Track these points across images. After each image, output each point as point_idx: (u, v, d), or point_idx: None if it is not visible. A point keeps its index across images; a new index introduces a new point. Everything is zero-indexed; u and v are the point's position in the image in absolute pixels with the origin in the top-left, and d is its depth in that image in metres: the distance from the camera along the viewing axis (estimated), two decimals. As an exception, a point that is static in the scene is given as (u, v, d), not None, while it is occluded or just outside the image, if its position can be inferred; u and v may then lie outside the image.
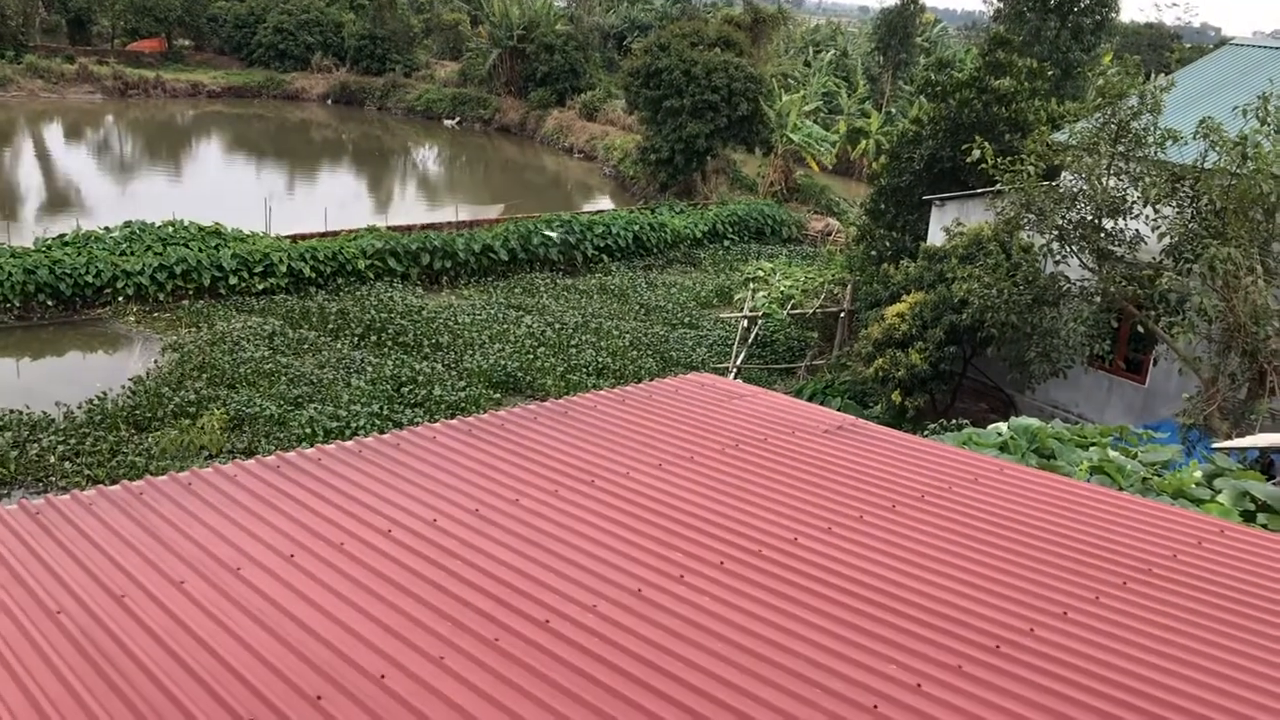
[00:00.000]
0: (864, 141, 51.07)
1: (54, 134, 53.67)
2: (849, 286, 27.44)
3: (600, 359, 24.42)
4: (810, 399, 22.12)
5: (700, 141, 42.51)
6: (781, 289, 29.40)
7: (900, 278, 22.33)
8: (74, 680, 4.67)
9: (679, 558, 5.94)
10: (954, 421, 17.11)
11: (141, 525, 6.18)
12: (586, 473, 7.15)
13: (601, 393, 9.15)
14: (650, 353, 25.46)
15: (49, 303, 25.07)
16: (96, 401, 20.28)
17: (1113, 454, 11.17)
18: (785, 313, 27.73)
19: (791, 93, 47.49)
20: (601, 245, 33.74)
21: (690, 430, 8.16)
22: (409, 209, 41.75)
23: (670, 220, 37.09)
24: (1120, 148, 18.74)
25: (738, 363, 25.12)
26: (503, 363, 23.47)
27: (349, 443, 7.66)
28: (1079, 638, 5.27)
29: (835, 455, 7.71)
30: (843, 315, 27.02)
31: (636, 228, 35.13)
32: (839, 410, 11.33)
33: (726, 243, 37.86)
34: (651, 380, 9.80)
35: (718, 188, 44.65)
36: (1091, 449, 11.46)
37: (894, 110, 53.32)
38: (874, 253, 26.11)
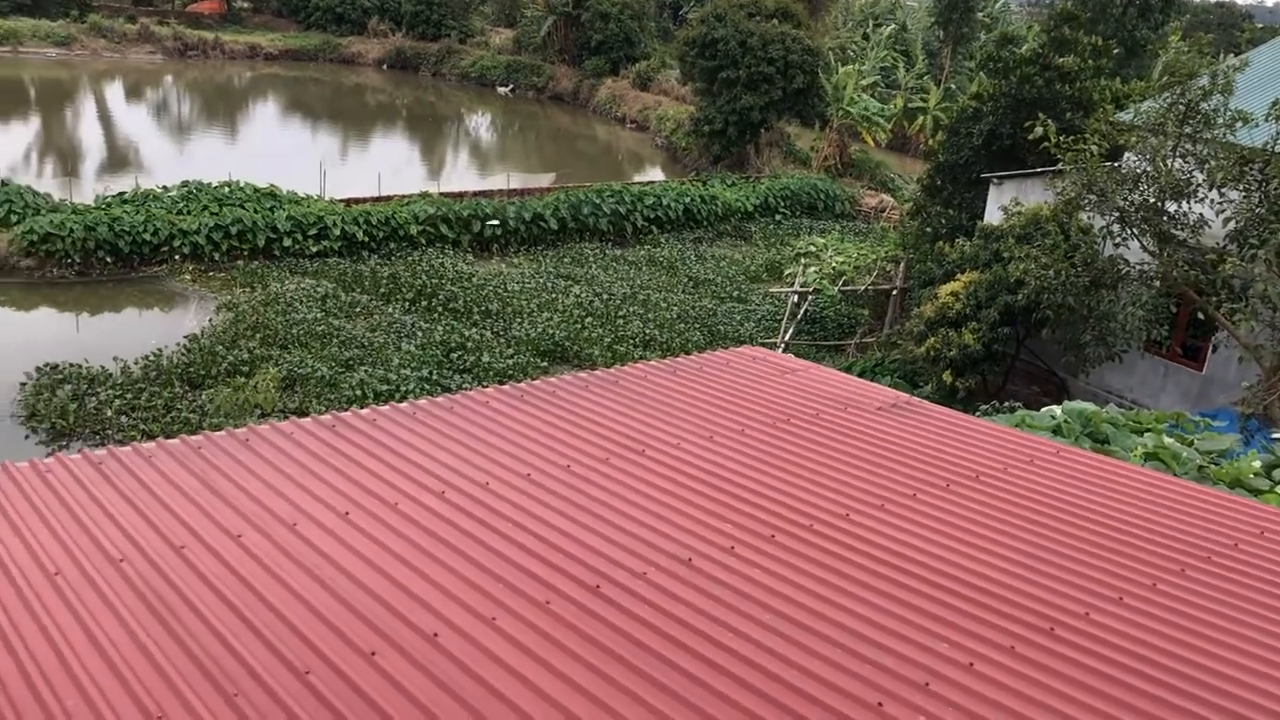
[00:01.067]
0: (921, 117, 50.39)
1: (115, 93, 54.28)
2: (902, 264, 27.15)
3: (647, 330, 24.40)
4: (859, 377, 21.98)
5: (754, 114, 42.07)
6: (833, 265, 29.18)
7: (955, 256, 22.04)
8: (135, 626, 4.78)
9: (729, 529, 5.93)
10: (1005, 404, 16.91)
11: (200, 478, 6.27)
12: (637, 442, 7.15)
13: (652, 363, 9.16)
14: (698, 326, 25.39)
15: (108, 259, 25.42)
16: (152, 358, 20.55)
17: (1168, 441, 10.98)
18: (836, 289, 27.50)
19: (849, 66, 46.96)
20: (651, 216, 33.61)
21: (741, 403, 8.13)
22: (461, 176, 41.79)
23: (721, 193, 36.76)
24: (1188, 129, 18.32)
25: (786, 338, 24.98)
26: (550, 331, 23.51)
27: (403, 404, 7.73)
28: (1135, 623, 5.19)
29: (889, 432, 7.65)
30: (895, 293, 26.76)
31: (687, 200, 34.94)
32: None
33: (778, 217, 37.44)
34: (700, 353, 9.72)
35: (771, 161, 44.22)
36: (1146, 435, 11.28)
37: (953, 86, 52.52)
38: (929, 230, 25.79)
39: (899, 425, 7.84)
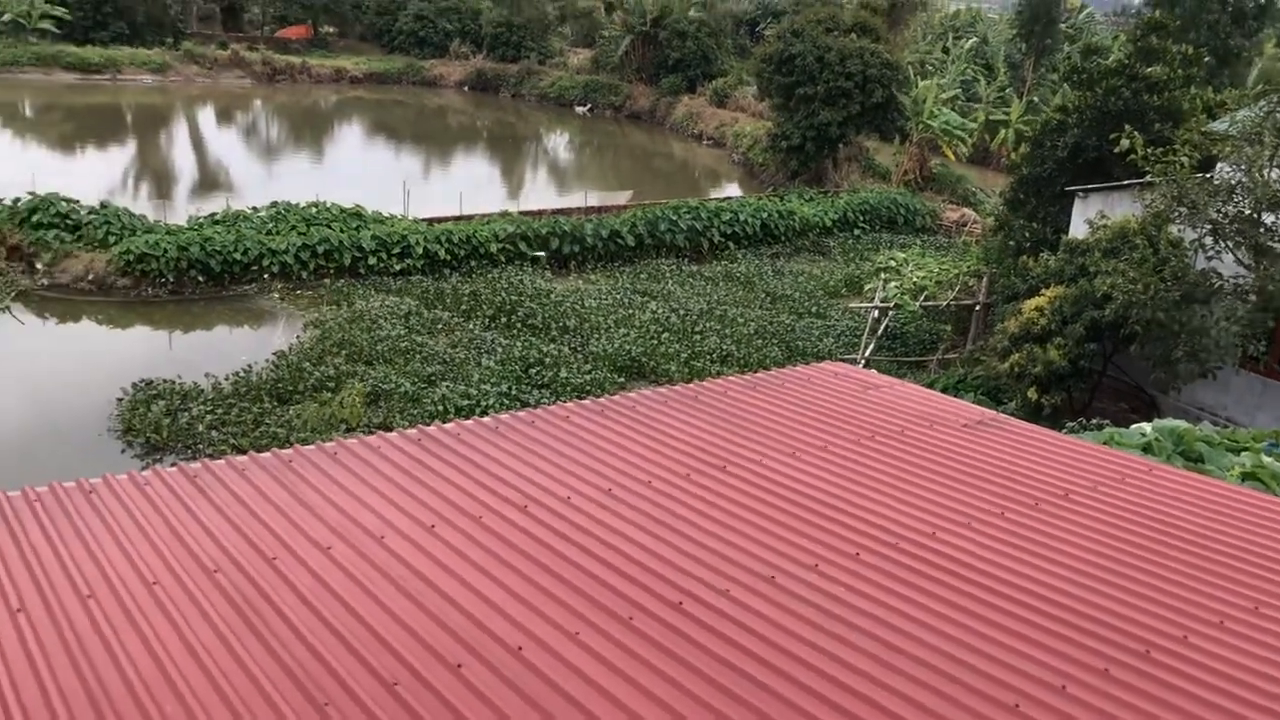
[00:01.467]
0: (1003, 131, 49.63)
1: (206, 117, 55.79)
2: (984, 279, 26.71)
3: (725, 346, 24.37)
4: (943, 392, 21.63)
5: (832, 129, 41.90)
6: (914, 280, 28.80)
7: (1039, 271, 21.61)
8: (228, 633, 4.90)
9: (813, 547, 5.88)
10: (1093, 421, 16.52)
11: (291, 491, 6.41)
12: (718, 458, 7.13)
13: (731, 379, 9.17)
14: (776, 342, 25.26)
15: (199, 278, 25.97)
16: (242, 374, 20.94)
17: (1267, 460, 10.65)
18: (917, 304, 27.14)
19: (928, 79, 46.45)
20: (728, 232, 33.56)
21: (824, 419, 8.08)
22: (539, 194, 42.01)
23: (799, 208, 36.55)
24: (1285, 138, 17.75)
25: (866, 354, 24.75)
26: (627, 347, 23.59)
27: (486, 419, 7.82)
28: (1238, 649, 5.01)
29: (975, 450, 7.54)
30: (977, 308, 26.31)
31: (764, 215, 34.78)
32: (974, 405, 11.12)
33: (857, 232, 37.13)
34: (779, 369, 9.75)
35: (849, 175, 43.92)
36: (1243, 454, 10.96)
37: (1035, 99, 51.66)
38: (1012, 244, 25.33)
39: (984, 442, 7.72)
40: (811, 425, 7.94)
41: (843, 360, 22.24)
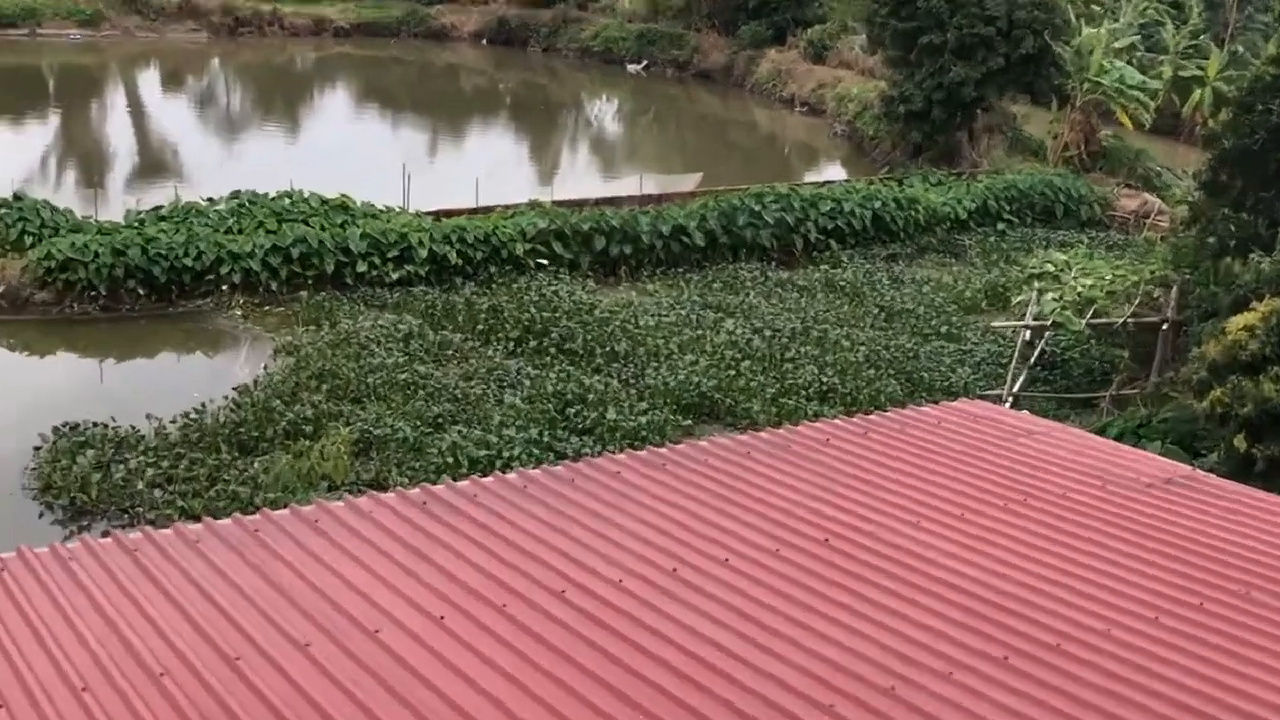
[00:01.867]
0: (1198, 90, 48.96)
1: (149, 82, 55.54)
2: (1174, 288, 26.33)
3: (825, 378, 24.01)
4: (1118, 441, 21.29)
5: (967, 89, 40.88)
6: (1079, 290, 28.32)
7: (1250, 277, 21.28)
8: (179, 759, 4.96)
9: (947, 649, 5.87)
10: (1325, 480, 16.19)
11: (258, 570, 6.48)
12: (818, 527, 7.19)
13: (835, 422, 9.53)
14: (893, 372, 24.85)
15: (140, 290, 25.75)
16: (194, 416, 20.64)
17: None
18: (1083, 323, 26.71)
19: (1096, 24, 45.96)
20: (829, 228, 32.65)
21: (959, 476, 8.13)
22: (580, 179, 41.40)
23: (924, 195, 35.77)
24: None
25: (1015, 389, 24.39)
26: (695, 379, 23.35)
27: (511, 475, 7.99)
28: None
29: (1163, 517, 7.52)
30: (1165, 328, 25.84)
31: (877, 204, 33.99)
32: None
33: (1001, 225, 36.08)
34: (898, 408, 9.97)
35: (990, 151, 42.86)
36: None
37: (1240, 49, 51.04)
38: (1211, 241, 24.96)
39: (1176, 508, 7.70)
40: (942, 485, 7.96)
41: (983, 398, 20.27)
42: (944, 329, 28.18)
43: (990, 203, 37.36)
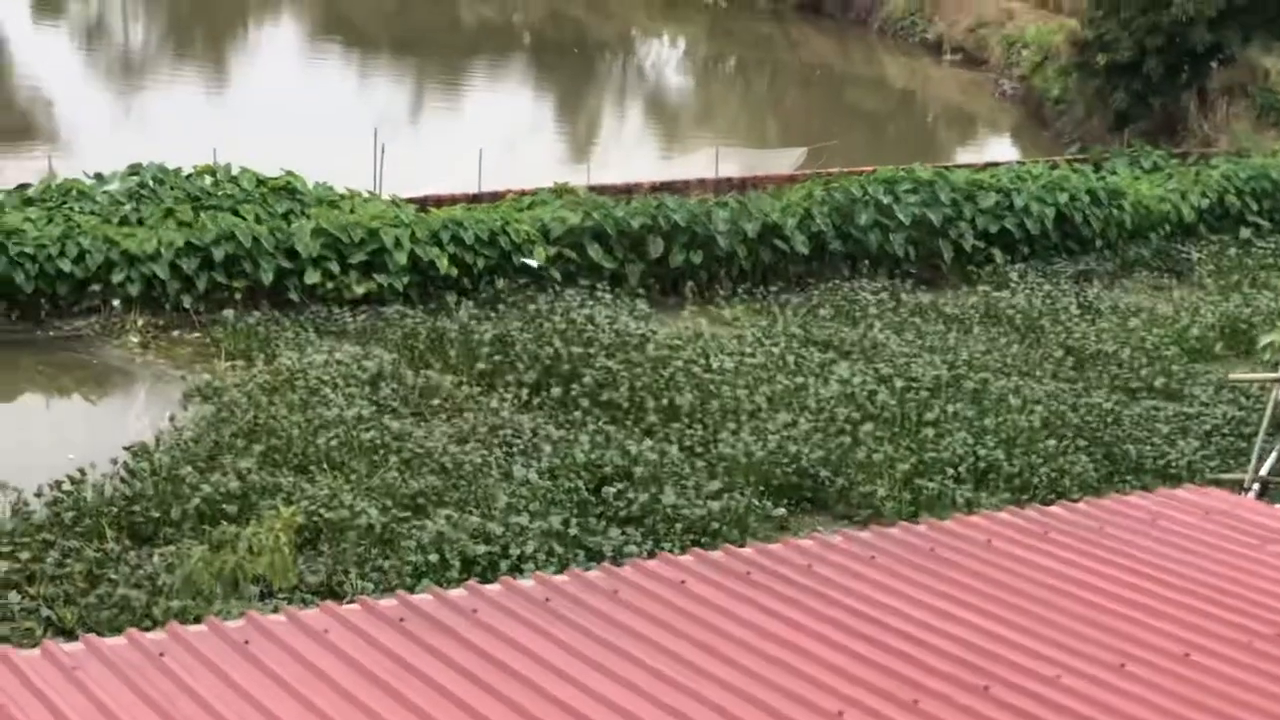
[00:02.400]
0: None
1: (12, 7, 48.95)
2: None
3: (983, 450, 21.74)
4: None
5: (1198, 33, 37.69)
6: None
7: None
8: None
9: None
10: None
11: (162, 712, 6.10)
12: (974, 669, 6.73)
13: (1001, 514, 9.41)
14: (1084, 444, 22.54)
15: None
16: (68, 487, 19.04)
17: None
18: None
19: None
20: (992, 230, 30.22)
21: (1182, 600, 7.67)
22: (628, 156, 38.86)
23: (1132, 185, 33.06)
24: None
25: (1264, 472, 22.10)
26: (793, 449, 21.11)
27: (525, 581, 7.97)
28: None
29: None
30: None
31: (1063, 198, 31.25)
32: None
33: (1245, 232, 33.19)
34: (1092, 497, 10.44)
35: (1230, 124, 40.57)
36: None
37: None
38: None
39: None
40: (1158, 610, 7.55)
41: (1218, 483, 19.11)
42: (1159, 382, 25.56)
43: (1229, 198, 34.49)
